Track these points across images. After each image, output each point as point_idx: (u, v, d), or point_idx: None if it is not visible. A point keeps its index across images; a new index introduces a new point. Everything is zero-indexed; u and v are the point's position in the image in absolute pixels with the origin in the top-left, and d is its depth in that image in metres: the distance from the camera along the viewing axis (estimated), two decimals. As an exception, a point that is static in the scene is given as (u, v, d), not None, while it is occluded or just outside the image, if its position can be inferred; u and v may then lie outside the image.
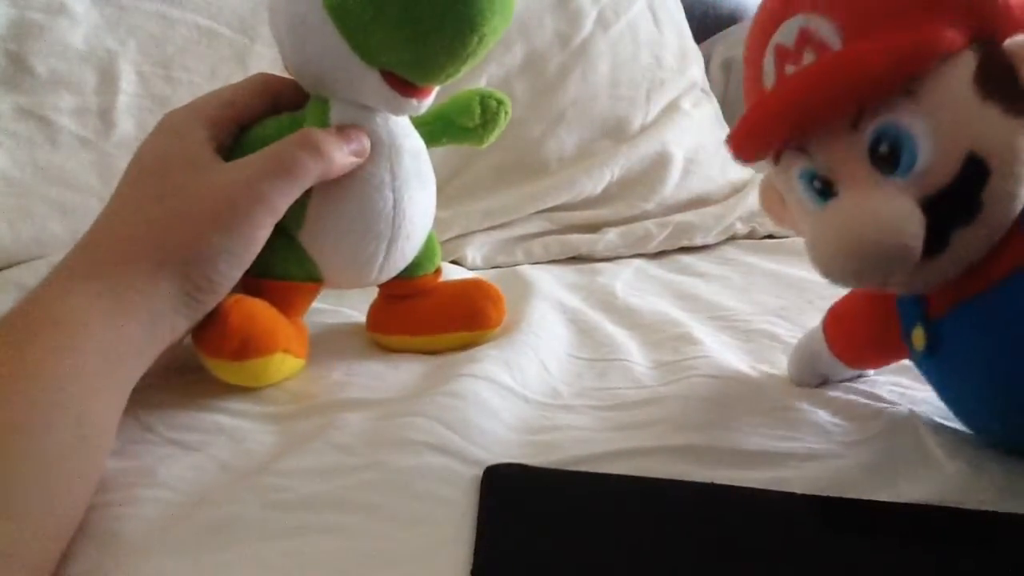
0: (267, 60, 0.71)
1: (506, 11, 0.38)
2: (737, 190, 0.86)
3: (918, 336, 0.37)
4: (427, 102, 0.43)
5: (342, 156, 0.40)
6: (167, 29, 0.68)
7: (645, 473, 0.35)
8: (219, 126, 0.41)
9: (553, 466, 0.35)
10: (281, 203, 0.39)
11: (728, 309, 0.58)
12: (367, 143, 0.42)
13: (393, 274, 0.47)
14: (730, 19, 1.16)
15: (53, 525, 0.29)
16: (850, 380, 0.46)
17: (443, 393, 0.40)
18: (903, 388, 0.44)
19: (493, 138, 0.49)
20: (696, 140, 0.86)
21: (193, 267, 0.36)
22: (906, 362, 0.47)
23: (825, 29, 0.33)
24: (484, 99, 0.47)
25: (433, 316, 0.48)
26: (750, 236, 0.82)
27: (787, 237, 0.81)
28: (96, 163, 0.63)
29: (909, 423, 0.39)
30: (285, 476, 0.34)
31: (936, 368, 0.38)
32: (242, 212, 0.38)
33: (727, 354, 0.49)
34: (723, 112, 0.95)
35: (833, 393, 0.44)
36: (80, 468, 0.31)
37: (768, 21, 0.36)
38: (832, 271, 0.34)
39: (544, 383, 0.44)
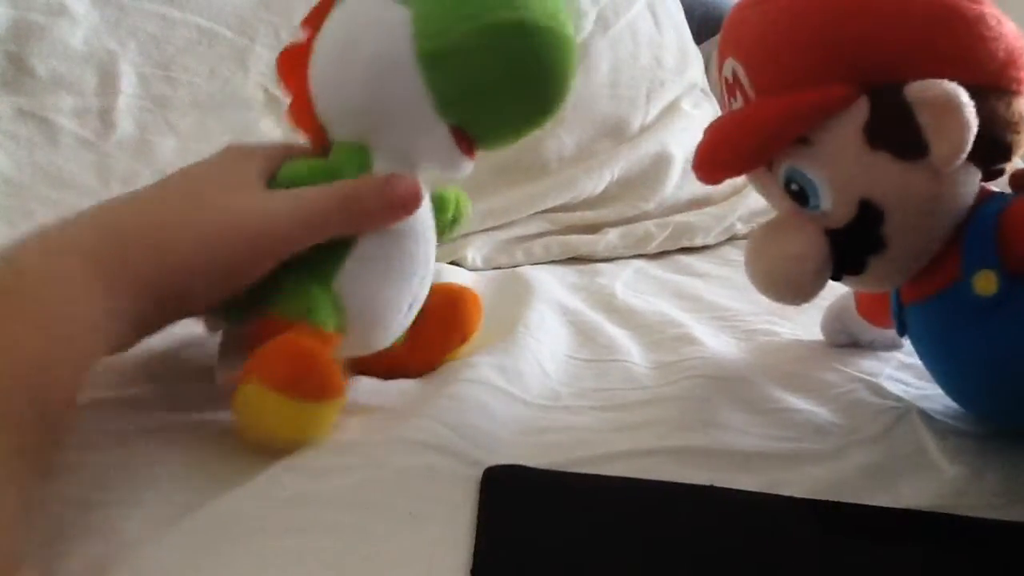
0: (266, 60, 0.71)
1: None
2: (737, 190, 0.86)
3: (893, 314, 0.42)
4: (470, 168, 0.42)
5: (396, 212, 0.39)
6: (167, 30, 0.68)
7: (644, 474, 0.35)
8: (275, 162, 0.39)
9: (553, 467, 0.35)
10: (302, 247, 0.37)
11: (728, 309, 0.58)
12: (421, 194, 0.39)
13: (399, 334, 0.44)
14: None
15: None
16: (871, 346, 0.50)
17: (443, 396, 0.40)
18: (906, 385, 0.44)
19: (451, 236, 0.48)
20: (696, 141, 0.85)
21: (184, 279, 0.34)
22: (909, 359, 0.48)
23: (744, 78, 0.37)
24: (459, 199, 0.47)
25: (406, 352, 0.45)
26: (750, 236, 0.82)
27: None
28: (96, 164, 0.63)
29: (910, 424, 0.39)
30: (285, 475, 0.34)
31: (910, 340, 0.42)
32: (262, 243, 0.35)
33: (727, 354, 0.49)
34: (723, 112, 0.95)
35: (834, 390, 0.44)
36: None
37: (719, 54, 0.40)
38: (752, 283, 0.40)
39: (543, 386, 0.44)
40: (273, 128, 0.70)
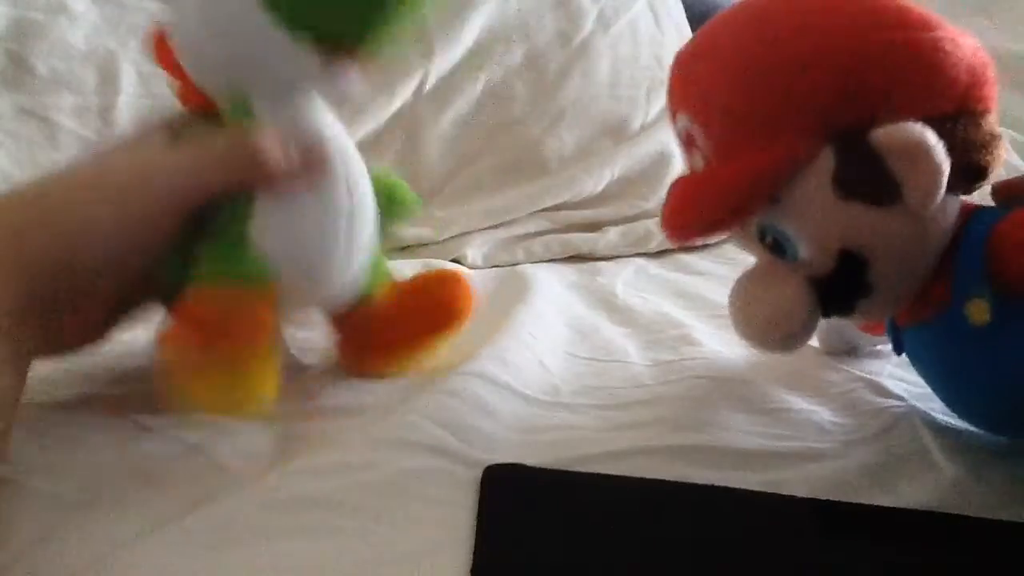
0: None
1: None
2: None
3: (889, 334, 0.41)
4: (358, 86, 0.40)
5: (275, 177, 0.37)
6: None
7: (644, 473, 0.35)
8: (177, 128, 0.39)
9: (552, 466, 0.35)
10: (192, 203, 0.36)
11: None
12: (322, 156, 0.38)
13: (354, 285, 0.42)
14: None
15: None
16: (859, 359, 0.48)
17: (441, 392, 0.40)
18: (907, 384, 0.44)
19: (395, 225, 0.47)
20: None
21: (66, 239, 0.33)
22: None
23: (699, 137, 0.36)
24: (392, 187, 0.46)
25: (397, 331, 0.44)
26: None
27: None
28: (96, 163, 0.63)
29: (910, 423, 0.39)
30: (284, 476, 0.34)
31: (908, 359, 0.41)
32: (142, 196, 0.34)
33: (727, 353, 0.49)
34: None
35: (835, 389, 0.44)
36: None
37: (670, 107, 0.39)
38: (741, 339, 0.38)
39: (543, 380, 0.44)
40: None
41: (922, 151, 0.31)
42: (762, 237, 0.36)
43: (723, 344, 0.51)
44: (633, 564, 0.29)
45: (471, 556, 0.29)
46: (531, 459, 0.35)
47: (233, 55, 0.38)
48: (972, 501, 0.34)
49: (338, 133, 0.41)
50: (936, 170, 0.31)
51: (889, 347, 0.48)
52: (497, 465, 0.34)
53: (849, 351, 0.48)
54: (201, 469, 0.35)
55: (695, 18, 1.00)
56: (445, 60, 0.79)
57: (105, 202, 0.34)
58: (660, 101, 0.87)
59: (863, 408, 0.41)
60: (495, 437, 0.38)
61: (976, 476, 0.35)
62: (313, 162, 0.38)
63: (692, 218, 0.36)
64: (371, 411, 0.40)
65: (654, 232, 0.78)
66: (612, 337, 0.52)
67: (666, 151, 0.83)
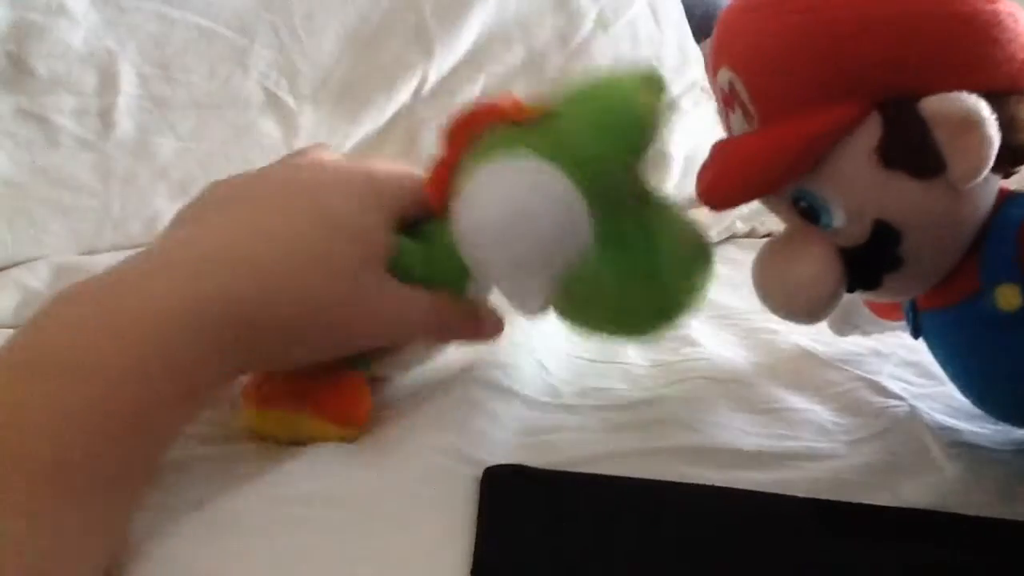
0: (266, 60, 0.71)
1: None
2: (737, 189, 0.86)
3: (907, 317, 0.40)
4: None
5: (475, 341, 0.42)
6: (167, 29, 0.68)
7: (645, 474, 0.35)
8: (403, 214, 0.38)
9: (553, 467, 0.35)
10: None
11: (729, 308, 0.58)
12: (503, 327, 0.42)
13: None
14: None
15: None
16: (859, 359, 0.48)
17: (441, 398, 0.40)
18: (907, 383, 0.44)
19: None
20: (696, 140, 0.86)
21: (294, 350, 0.35)
22: (911, 357, 0.47)
23: (743, 93, 0.35)
24: None
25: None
26: (750, 235, 0.82)
27: (787, 235, 0.80)
28: (96, 164, 0.63)
29: (910, 423, 0.39)
30: (285, 475, 0.34)
31: (926, 344, 0.40)
32: (371, 340, 0.38)
33: (727, 353, 0.49)
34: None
35: (835, 389, 0.44)
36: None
37: (712, 60, 0.37)
38: (764, 305, 0.37)
39: (543, 382, 0.44)
40: (273, 128, 0.70)
41: (973, 123, 0.30)
42: (795, 202, 0.35)
43: (723, 344, 0.51)
44: (633, 564, 0.29)
45: (471, 556, 0.29)
46: (531, 460, 0.35)
47: (506, 273, 0.37)
48: (972, 500, 0.34)
49: None
50: (985, 143, 0.30)
51: (877, 350, 0.48)
52: (497, 466, 0.34)
53: (857, 333, 0.48)
54: (205, 468, 0.35)
55: (695, 18, 1.00)
56: (445, 60, 0.79)
57: (331, 336, 0.36)
58: (660, 101, 0.87)
59: (863, 408, 0.41)
60: (495, 438, 0.38)
61: (976, 475, 0.35)
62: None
63: (738, 183, 0.35)
64: (369, 421, 0.40)
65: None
66: (612, 337, 0.52)
67: (666, 151, 0.83)
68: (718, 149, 0.37)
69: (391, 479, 0.33)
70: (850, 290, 0.36)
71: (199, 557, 0.29)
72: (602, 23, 0.87)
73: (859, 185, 0.33)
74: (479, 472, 0.34)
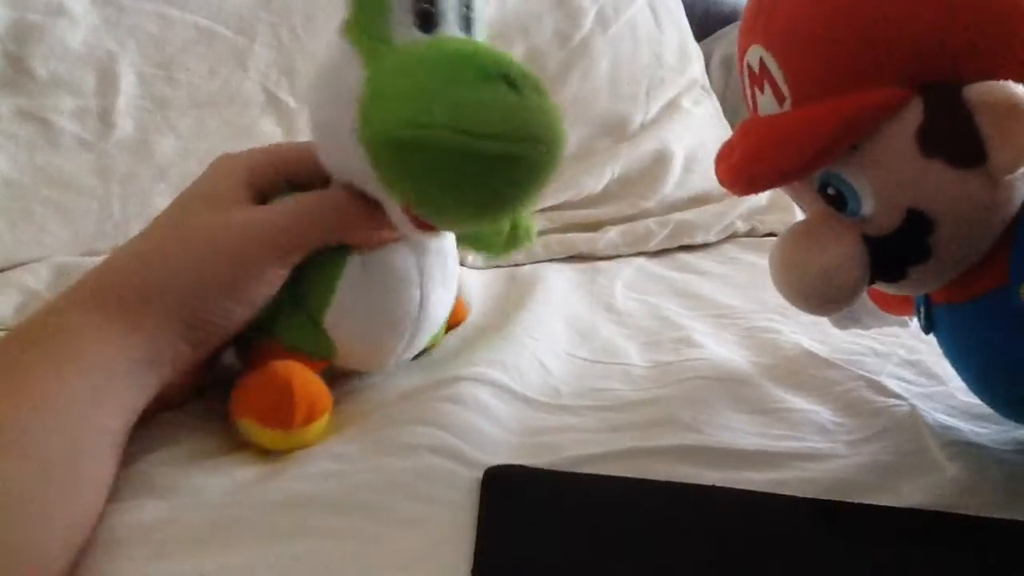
0: (266, 60, 0.71)
1: (529, 189, 0.36)
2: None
3: (921, 313, 0.39)
4: (443, 235, 0.42)
5: (369, 233, 0.39)
6: (166, 30, 0.68)
7: (645, 474, 0.35)
8: (259, 173, 0.40)
9: (553, 467, 0.35)
10: (295, 256, 0.38)
11: (729, 307, 0.58)
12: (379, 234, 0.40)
13: (405, 357, 0.45)
14: (731, 17, 1.16)
15: (59, 533, 0.29)
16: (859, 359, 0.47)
17: (441, 399, 0.40)
18: (908, 383, 0.44)
19: (506, 256, 0.48)
20: (697, 138, 0.86)
21: (191, 300, 0.35)
22: (911, 357, 0.47)
23: (776, 72, 0.33)
24: (515, 224, 0.46)
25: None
26: (751, 234, 0.82)
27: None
28: (96, 164, 0.63)
29: (911, 423, 0.39)
30: (285, 478, 0.34)
31: (937, 340, 0.39)
32: (251, 252, 0.37)
33: (728, 353, 0.49)
34: (723, 110, 0.95)
35: (835, 389, 0.44)
36: (84, 478, 0.31)
37: (742, 38, 0.36)
38: (781, 293, 0.35)
39: (544, 382, 0.44)
40: (273, 128, 0.70)
41: (1020, 113, 0.29)
42: (822, 187, 0.34)
43: (723, 345, 0.51)
44: (633, 564, 0.29)
45: (472, 556, 0.29)
46: (532, 460, 0.35)
47: (328, 158, 0.39)
48: (972, 500, 0.34)
49: (437, 242, 0.43)
50: None
51: (876, 350, 0.47)
52: (498, 466, 0.34)
53: (857, 327, 0.47)
54: (202, 472, 0.35)
55: (695, 18, 1.00)
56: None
57: (222, 262, 0.36)
58: (660, 100, 0.87)
59: (863, 408, 0.41)
60: (496, 439, 0.38)
61: (977, 475, 0.35)
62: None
63: (768, 166, 0.33)
64: (372, 413, 0.40)
65: (654, 231, 0.78)
66: (612, 338, 0.52)
67: (666, 150, 0.83)
68: (746, 130, 0.35)
69: (391, 480, 0.33)
70: (872, 281, 0.35)
71: (191, 566, 0.29)
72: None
73: (895, 172, 0.31)
74: (480, 472, 0.34)
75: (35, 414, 0.30)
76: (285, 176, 0.41)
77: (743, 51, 0.36)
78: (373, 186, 0.37)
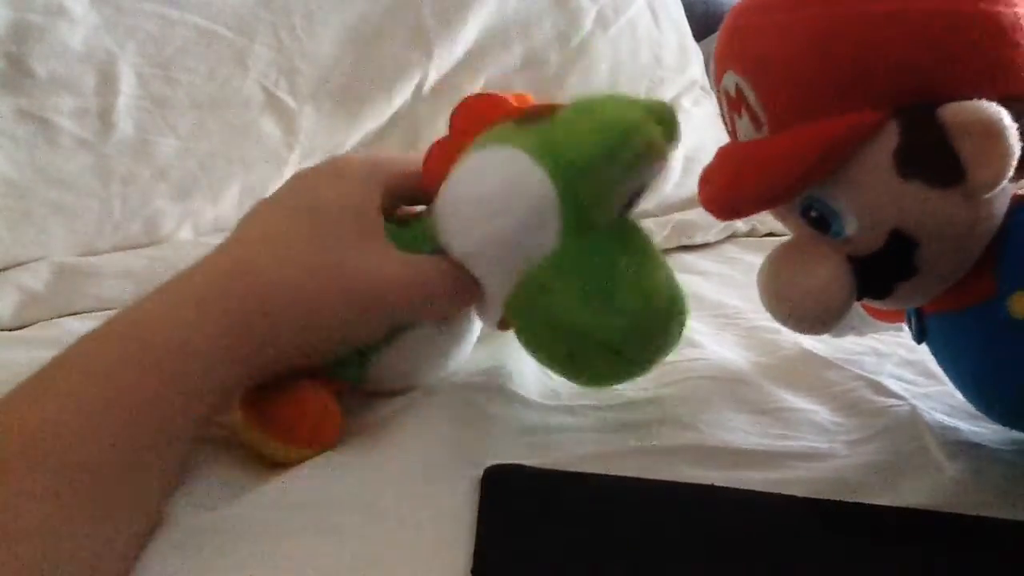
0: (266, 60, 0.71)
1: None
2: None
3: (912, 323, 0.39)
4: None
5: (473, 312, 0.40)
6: (166, 30, 0.68)
7: (645, 474, 0.35)
8: (393, 195, 0.39)
9: (553, 467, 0.35)
10: (415, 319, 0.38)
11: (729, 307, 0.58)
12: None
13: None
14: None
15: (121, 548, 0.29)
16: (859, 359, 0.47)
17: (442, 404, 0.40)
18: (907, 383, 0.44)
19: None
20: (696, 138, 0.86)
21: (309, 335, 0.35)
22: (911, 356, 0.47)
23: (751, 98, 0.33)
24: None
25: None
26: (751, 234, 0.82)
27: (788, 235, 0.80)
28: (96, 164, 0.63)
29: (910, 422, 0.39)
30: (286, 477, 0.34)
31: (929, 349, 0.40)
32: (388, 304, 0.36)
33: (728, 353, 0.49)
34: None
35: (835, 389, 0.44)
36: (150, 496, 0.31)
37: (716, 64, 0.36)
38: (771, 315, 0.36)
39: (543, 384, 0.44)
40: (273, 128, 0.70)
41: (995, 132, 0.29)
42: (805, 211, 0.34)
43: (723, 345, 0.51)
44: (633, 564, 0.29)
45: (471, 556, 0.29)
46: (531, 460, 0.35)
47: (471, 260, 0.38)
48: (972, 500, 0.34)
49: None
50: (1007, 153, 0.29)
51: (876, 350, 0.47)
52: (497, 466, 0.34)
53: (852, 334, 0.48)
54: (206, 473, 0.35)
55: (695, 18, 1.00)
56: (445, 60, 0.79)
57: (338, 304, 0.35)
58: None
59: (863, 408, 0.41)
60: (495, 439, 0.38)
61: (976, 475, 0.35)
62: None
63: (750, 192, 0.34)
64: (371, 417, 0.40)
65: (654, 231, 0.78)
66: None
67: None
68: (726, 155, 0.36)
69: (392, 480, 0.33)
70: (859, 298, 0.35)
71: (195, 566, 0.29)
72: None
73: (875, 194, 0.32)
74: (479, 472, 0.34)
75: (119, 428, 0.30)
76: (407, 198, 0.41)
77: (719, 77, 0.36)
78: (489, 291, 0.38)
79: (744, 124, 0.34)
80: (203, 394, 0.32)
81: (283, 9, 0.73)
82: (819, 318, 0.34)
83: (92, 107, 0.64)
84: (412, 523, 0.31)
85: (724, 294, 0.62)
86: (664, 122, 0.36)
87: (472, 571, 0.28)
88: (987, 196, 0.31)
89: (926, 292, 0.35)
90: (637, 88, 0.86)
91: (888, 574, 0.30)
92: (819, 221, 0.34)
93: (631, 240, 0.39)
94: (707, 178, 0.36)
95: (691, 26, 0.97)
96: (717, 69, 0.36)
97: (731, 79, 0.34)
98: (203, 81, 0.68)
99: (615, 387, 0.44)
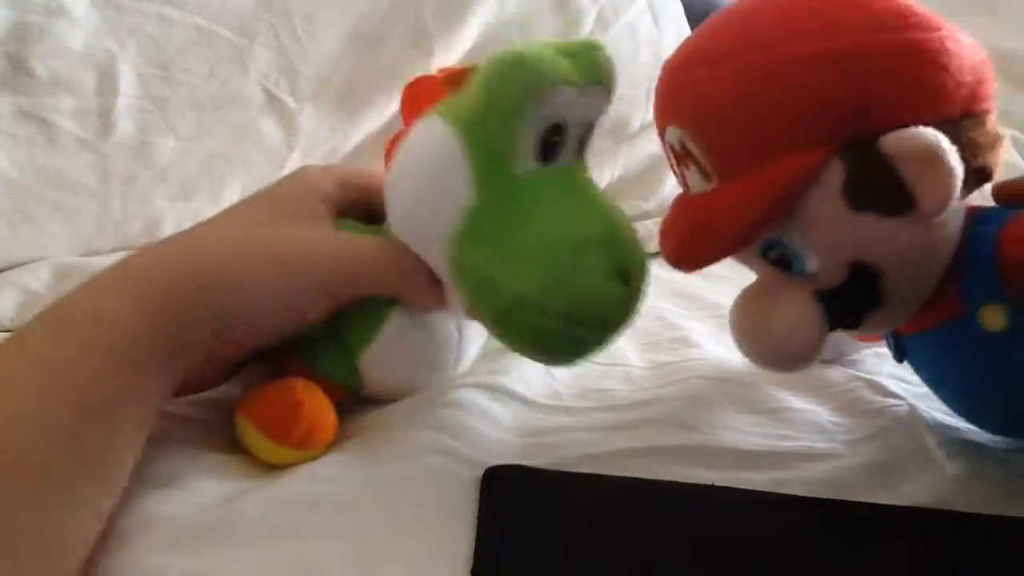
0: (266, 60, 0.71)
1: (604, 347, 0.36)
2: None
3: (891, 344, 0.39)
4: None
5: (439, 301, 0.39)
6: (166, 30, 0.68)
7: (645, 474, 0.35)
8: (347, 190, 0.40)
9: (553, 467, 0.35)
10: (360, 294, 0.38)
11: (728, 307, 0.58)
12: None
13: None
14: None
15: (82, 524, 0.29)
16: (858, 360, 0.47)
17: (441, 404, 0.40)
18: (906, 383, 0.44)
19: None
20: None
21: (241, 301, 0.35)
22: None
23: (696, 151, 0.34)
24: None
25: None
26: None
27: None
28: (96, 165, 0.63)
29: (910, 422, 0.39)
30: (287, 478, 0.34)
31: (912, 367, 0.40)
32: (319, 270, 0.36)
33: (727, 354, 0.49)
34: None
35: (834, 389, 0.44)
36: (109, 468, 0.31)
37: (657, 120, 0.37)
38: (747, 359, 0.36)
39: (544, 384, 0.44)
40: (273, 128, 0.70)
41: (936, 156, 0.30)
42: (765, 252, 0.34)
43: (723, 345, 0.51)
44: (633, 564, 0.29)
45: (471, 556, 0.29)
46: (531, 460, 0.35)
47: (412, 243, 0.37)
48: (972, 499, 0.34)
49: None
50: (950, 175, 0.30)
51: (875, 351, 0.48)
52: (497, 466, 0.34)
53: (835, 359, 0.47)
54: (205, 472, 0.35)
55: (695, 18, 1.00)
56: (445, 60, 0.79)
57: (267, 270, 0.35)
58: (659, 101, 0.88)
59: (863, 408, 0.41)
60: (495, 439, 0.38)
61: (976, 474, 0.35)
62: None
63: (707, 246, 0.34)
64: (371, 418, 0.40)
65: (654, 232, 0.78)
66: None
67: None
68: (680, 208, 0.36)
69: (392, 481, 0.34)
70: (831, 329, 0.35)
71: (194, 565, 0.29)
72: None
73: (830, 229, 0.32)
74: (479, 473, 0.34)
75: (65, 402, 0.30)
76: (366, 202, 0.41)
77: (661, 132, 0.36)
78: (444, 279, 0.37)
79: (694, 176, 0.35)
80: (124, 364, 0.32)
81: (283, 10, 0.73)
82: (794, 358, 0.34)
83: (92, 107, 0.64)
84: (412, 523, 0.31)
85: (723, 294, 0.62)
86: (575, 55, 0.34)
87: (472, 571, 0.28)
88: (939, 218, 0.31)
89: (896, 318, 0.35)
90: (637, 89, 0.86)
91: (888, 573, 0.30)
92: (780, 261, 0.34)
93: (562, 186, 0.35)
94: (665, 231, 0.36)
95: (691, 26, 0.97)
96: (658, 125, 0.36)
97: (674, 133, 0.35)
98: (203, 81, 0.68)
99: (615, 388, 0.44)
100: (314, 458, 0.37)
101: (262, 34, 0.72)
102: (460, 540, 0.30)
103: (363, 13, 0.76)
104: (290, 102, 0.71)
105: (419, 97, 0.39)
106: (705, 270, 0.71)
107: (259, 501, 0.32)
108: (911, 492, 0.34)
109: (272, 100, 0.71)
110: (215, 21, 0.70)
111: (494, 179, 0.34)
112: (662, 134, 0.36)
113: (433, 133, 0.35)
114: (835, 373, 0.46)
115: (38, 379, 0.30)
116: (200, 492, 0.33)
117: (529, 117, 0.33)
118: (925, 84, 0.31)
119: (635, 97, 0.86)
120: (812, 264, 0.33)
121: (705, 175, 0.34)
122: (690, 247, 0.35)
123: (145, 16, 0.68)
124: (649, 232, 0.77)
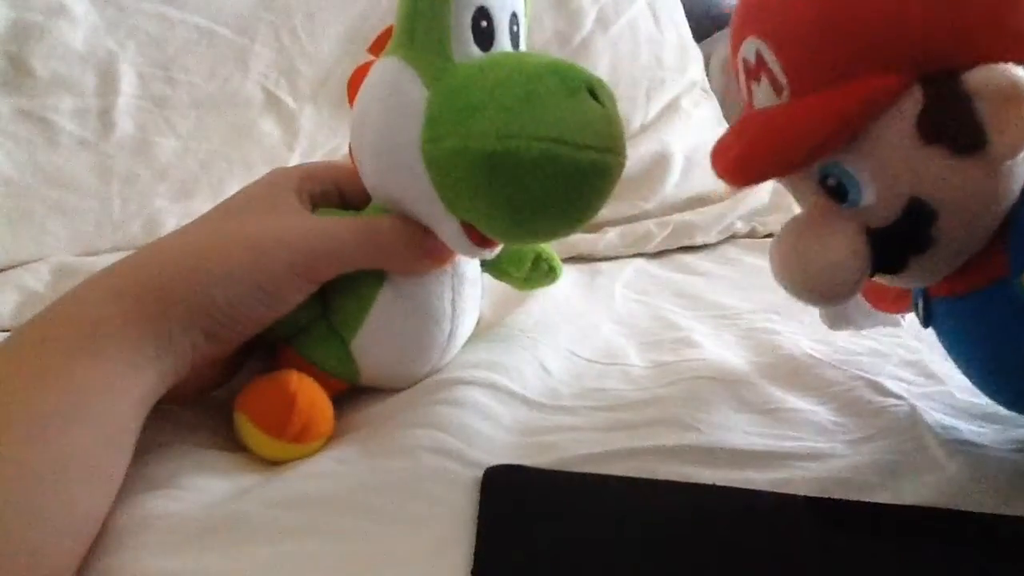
0: (266, 60, 0.71)
1: (605, 199, 0.37)
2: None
3: (919, 307, 0.38)
4: (497, 250, 0.41)
5: (422, 262, 0.39)
6: (167, 30, 0.68)
7: (645, 474, 0.35)
8: (315, 181, 0.41)
9: (553, 467, 0.35)
10: (338, 271, 0.38)
11: (729, 308, 0.58)
12: (447, 255, 0.40)
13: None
14: (730, 18, 1.16)
15: (74, 526, 0.29)
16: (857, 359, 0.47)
17: (440, 401, 0.40)
18: (907, 383, 0.44)
19: (530, 290, 0.50)
20: (696, 139, 0.86)
21: (220, 290, 0.35)
22: (911, 356, 0.47)
23: (772, 62, 0.33)
24: (538, 259, 0.48)
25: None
26: (751, 235, 0.82)
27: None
28: (96, 164, 0.63)
29: (910, 422, 0.39)
30: (288, 477, 0.34)
31: (936, 334, 0.39)
32: (291, 250, 0.36)
33: (727, 353, 0.49)
34: (723, 111, 0.95)
35: (835, 388, 0.44)
36: (100, 470, 0.31)
37: (735, 33, 0.36)
38: (784, 288, 0.35)
39: (544, 384, 0.44)
40: (273, 128, 0.70)
41: (1018, 97, 0.29)
42: (823, 179, 0.33)
43: (723, 345, 0.51)
44: (633, 564, 0.29)
45: (472, 557, 0.29)
46: (531, 460, 0.35)
47: (384, 185, 0.38)
48: (972, 499, 0.34)
49: (472, 271, 0.43)
50: None
51: (890, 323, 0.47)
52: (498, 466, 0.34)
53: (850, 327, 0.47)
54: (204, 471, 0.35)
55: (695, 18, 1.00)
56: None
57: (242, 255, 0.36)
58: (660, 101, 0.87)
59: (863, 408, 0.41)
60: (495, 439, 0.38)
61: (977, 474, 0.35)
62: (439, 253, 0.40)
63: (771, 158, 0.33)
64: (371, 418, 0.40)
65: (654, 232, 0.78)
66: (612, 338, 0.52)
67: (666, 151, 0.83)
68: (743, 123, 0.35)
69: (392, 480, 0.34)
70: (872, 274, 0.34)
71: (194, 565, 0.29)
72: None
73: (896, 160, 0.31)
74: (479, 473, 0.34)
75: (54, 405, 0.30)
76: (338, 191, 0.41)
77: (737, 47, 0.35)
78: (427, 207, 0.37)
79: (763, 91, 0.34)
80: (110, 364, 0.32)
81: (283, 9, 0.73)
82: (835, 290, 0.33)
83: (92, 107, 0.64)
84: (412, 523, 0.31)
85: (724, 295, 0.62)
86: None
87: (472, 571, 0.28)
88: (1007, 166, 0.31)
89: (939, 268, 0.34)
90: (637, 89, 0.87)
91: (889, 572, 0.30)
92: (836, 189, 0.33)
93: (502, 56, 0.36)
94: (722, 148, 0.35)
95: (691, 26, 0.97)
96: (735, 39, 0.36)
97: (751, 45, 0.34)
98: (203, 81, 0.69)
99: (615, 387, 0.44)
100: (313, 452, 0.37)
101: (262, 34, 0.72)
102: (460, 540, 0.30)
103: (363, 13, 0.77)
104: (290, 102, 0.71)
105: (362, 79, 0.40)
106: (705, 271, 0.72)
107: (259, 501, 0.32)
108: (912, 492, 0.34)
109: (272, 100, 0.71)
110: (215, 21, 0.70)
111: (439, 70, 0.35)
112: (737, 49, 0.35)
113: (378, 67, 0.38)
114: (835, 373, 0.46)
115: (26, 382, 0.30)
116: (200, 491, 0.33)
117: (467, 4, 0.35)
118: (1018, 25, 0.30)
119: (635, 97, 0.86)
120: (869, 195, 0.32)
121: (777, 89, 0.33)
122: (754, 158, 0.34)
123: (145, 16, 0.68)
124: (649, 232, 0.78)
